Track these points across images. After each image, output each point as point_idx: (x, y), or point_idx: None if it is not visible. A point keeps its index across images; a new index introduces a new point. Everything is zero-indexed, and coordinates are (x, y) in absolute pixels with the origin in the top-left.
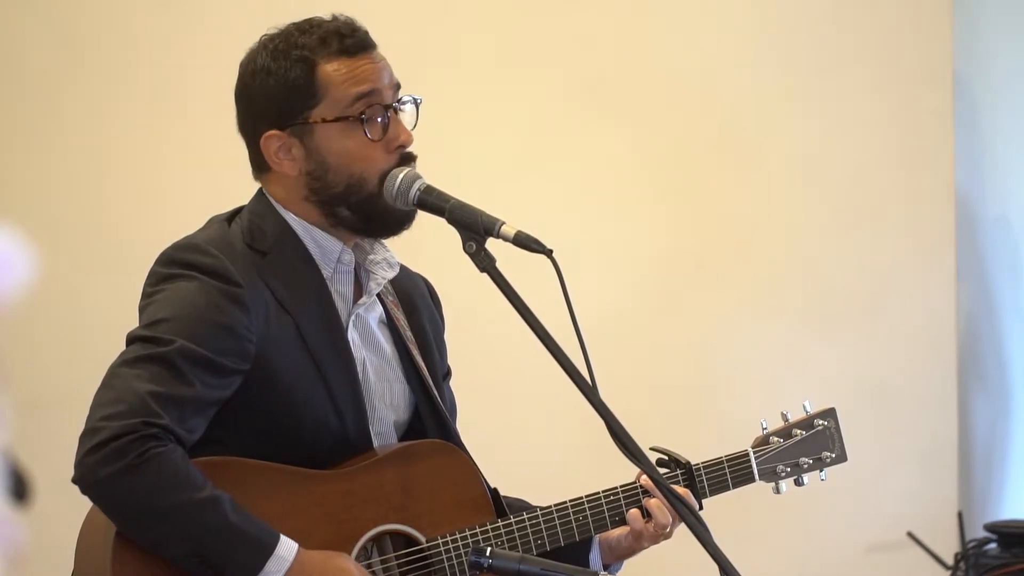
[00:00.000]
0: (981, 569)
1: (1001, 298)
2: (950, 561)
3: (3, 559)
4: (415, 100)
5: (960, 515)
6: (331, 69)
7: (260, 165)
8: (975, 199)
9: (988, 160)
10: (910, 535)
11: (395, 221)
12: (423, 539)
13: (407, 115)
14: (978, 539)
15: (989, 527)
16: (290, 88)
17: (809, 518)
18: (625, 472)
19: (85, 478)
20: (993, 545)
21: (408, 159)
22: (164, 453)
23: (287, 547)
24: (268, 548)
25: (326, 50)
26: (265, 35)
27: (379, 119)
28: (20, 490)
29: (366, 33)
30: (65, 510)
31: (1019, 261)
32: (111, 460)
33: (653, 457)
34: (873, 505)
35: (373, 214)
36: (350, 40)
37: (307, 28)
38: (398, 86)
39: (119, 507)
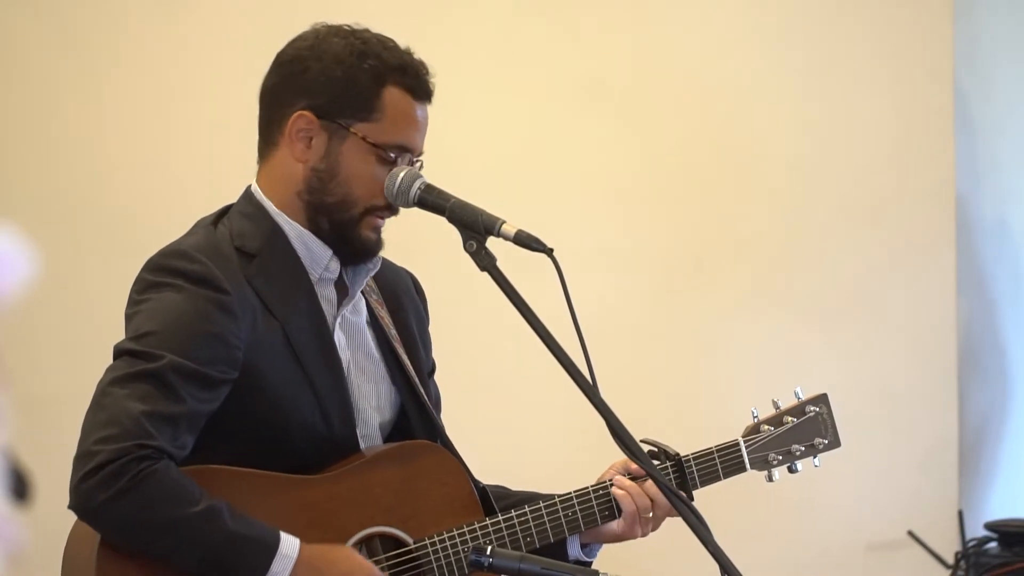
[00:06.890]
0: (982, 568)
1: (1001, 297)
2: (951, 560)
3: (3, 558)
4: (421, 162)
5: (961, 514)
6: (397, 98)
7: (271, 138)
8: (975, 200)
9: (988, 161)
10: (910, 534)
11: (358, 251)
12: (411, 540)
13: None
14: (979, 538)
15: (990, 526)
16: (353, 88)
17: (809, 517)
18: None
19: (82, 505)
20: (994, 544)
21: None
22: (158, 471)
23: (289, 545)
24: (271, 549)
25: (400, 78)
26: (345, 26)
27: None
28: (20, 489)
29: (434, 85)
30: (65, 510)
31: (1019, 261)
32: (106, 485)
33: (643, 449)
34: (873, 504)
35: (345, 237)
36: (424, 82)
37: (391, 46)
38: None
39: (119, 530)
